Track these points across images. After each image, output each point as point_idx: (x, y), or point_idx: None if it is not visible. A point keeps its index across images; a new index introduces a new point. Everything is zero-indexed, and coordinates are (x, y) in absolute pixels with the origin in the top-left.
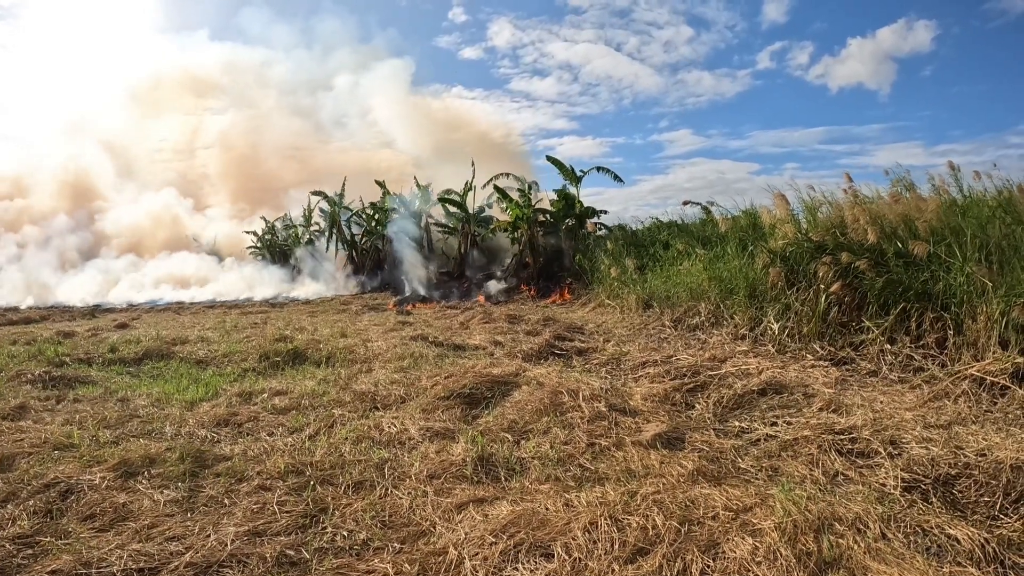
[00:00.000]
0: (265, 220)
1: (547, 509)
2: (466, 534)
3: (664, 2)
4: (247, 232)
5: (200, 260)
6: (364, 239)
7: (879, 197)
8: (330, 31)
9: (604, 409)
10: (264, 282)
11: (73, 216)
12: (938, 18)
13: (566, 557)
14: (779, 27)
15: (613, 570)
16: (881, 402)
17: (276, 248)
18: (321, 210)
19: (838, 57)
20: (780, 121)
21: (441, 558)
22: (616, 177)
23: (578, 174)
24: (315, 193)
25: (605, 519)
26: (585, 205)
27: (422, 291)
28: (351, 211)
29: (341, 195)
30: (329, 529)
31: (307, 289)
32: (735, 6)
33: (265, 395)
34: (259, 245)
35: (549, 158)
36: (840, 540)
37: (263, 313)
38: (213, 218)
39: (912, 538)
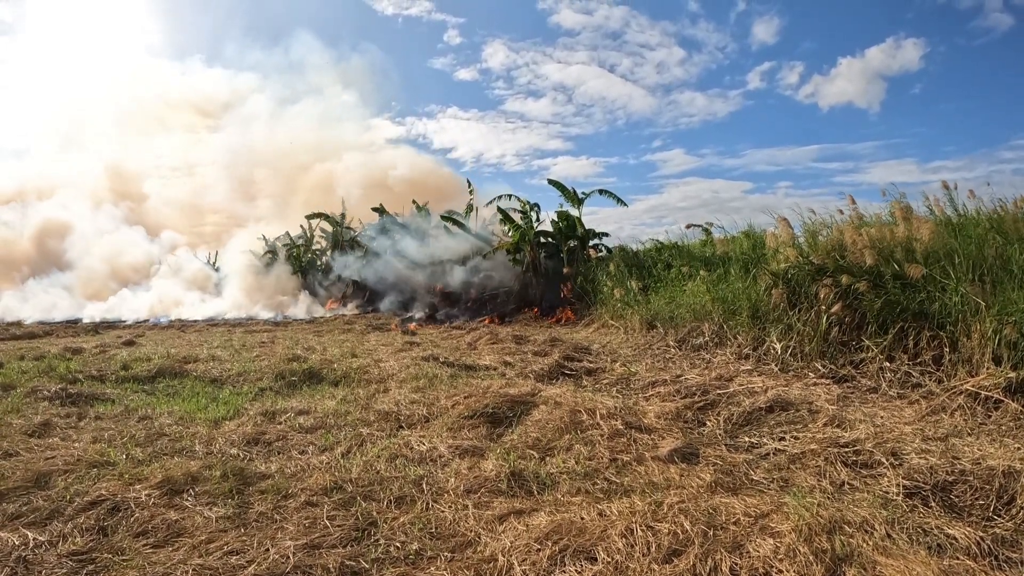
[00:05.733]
0: (264, 239)
1: (583, 518)
2: (511, 542)
3: (655, 24)
4: (248, 252)
5: (201, 276)
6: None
7: (878, 219)
8: (312, 54)
9: (621, 427)
10: (265, 301)
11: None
12: (926, 36)
13: (608, 559)
14: (769, 48)
15: (652, 569)
16: (882, 417)
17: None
18: (322, 230)
19: (828, 76)
20: (773, 140)
21: (492, 564)
22: (619, 200)
23: (580, 196)
24: (315, 216)
25: (638, 526)
26: (587, 227)
27: (425, 311)
28: (352, 231)
29: (343, 215)
30: (382, 541)
31: (309, 308)
32: (725, 28)
33: (289, 414)
34: (259, 264)
35: (551, 181)
36: (850, 540)
37: (268, 332)
38: (212, 236)
39: (915, 537)
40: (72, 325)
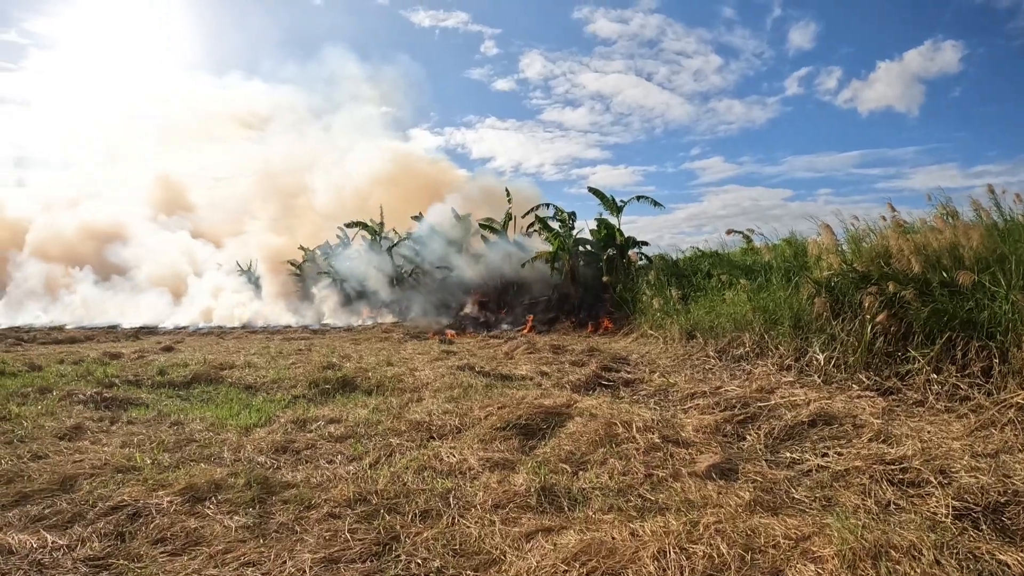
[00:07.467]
0: (304, 249)
1: (614, 538)
2: (537, 562)
3: (691, 32)
4: (286, 262)
5: (239, 285)
6: (404, 268)
7: (923, 225)
8: (347, 65)
9: (658, 440)
10: (303, 308)
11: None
12: (964, 38)
13: None
14: (806, 53)
15: None
16: (929, 432)
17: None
18: (362, 239)
19: (866, 81)
20: (813, 146)
21: None
22: (655, 203)
23: (619, 204)
24: (353, 224)
25: (672, 547)
26: (626, 235)
27: (463, 320)
28: (391, 241)
29: (381, 224)
30: (403, 557)
31: (346, 316)
32: (761, 34)
33: (320, 423)
34: (299, 272)
35: (590, 188)
36: (897, 566)
37: (305, 339)
38: (252, 244)
39: (965, 564)
40: (112, 330)
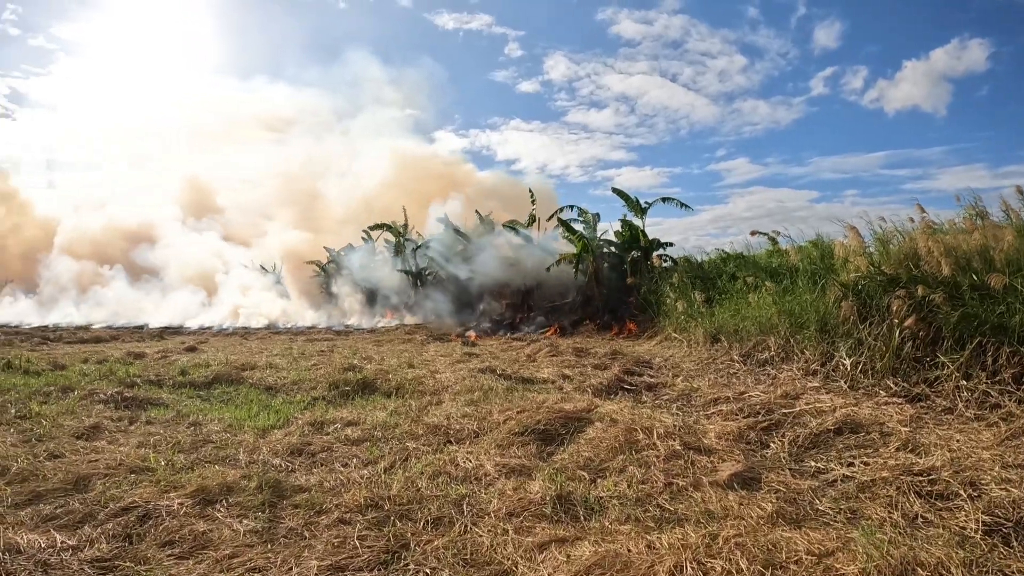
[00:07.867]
0: (328, 250)
1: (629, 551)
2: (549, 574)
3: (715, 32)
4: (309, 263)
5: (264, 286)
6: (428, 270)
7: (952, 226)
8: (370, 68)
9: (679, 448)
10: (328, 309)
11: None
12: (990, 36)
13: None
14: (831, 52)
15: None
16: (958, 441)
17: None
18: (386, 241)
19: (892, 80)
20: (839, 147)
21: None
22: (682, 205)
23: (643, 205)
24: (377, 227)
25: (689, 562)
26: (650, 237)
27: (486, 323)
28: (415, 243)
29: (404, 226)
30: (411, 566)
31: (370, 318)
32: (786, 33)
33: (337, 425)
34: (323, 273)
35: (614, 189)
36: None
37: (328, 341)
38: (276, 245)
39: None
40: (138, 330)
